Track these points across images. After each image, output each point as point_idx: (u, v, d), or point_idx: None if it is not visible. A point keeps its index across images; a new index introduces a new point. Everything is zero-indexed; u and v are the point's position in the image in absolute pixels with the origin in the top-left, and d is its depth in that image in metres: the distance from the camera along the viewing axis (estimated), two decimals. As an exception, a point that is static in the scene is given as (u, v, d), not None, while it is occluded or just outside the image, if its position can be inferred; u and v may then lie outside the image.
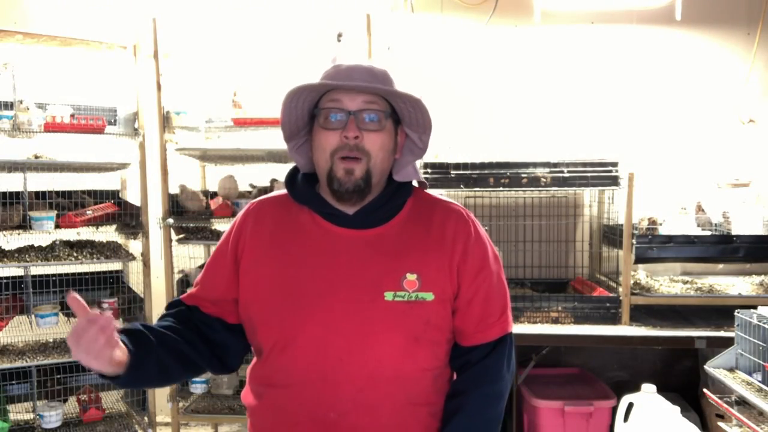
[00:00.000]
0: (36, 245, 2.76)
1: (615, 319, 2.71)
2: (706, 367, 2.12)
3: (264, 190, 2.92)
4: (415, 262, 1.22)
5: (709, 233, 2.91)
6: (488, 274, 1.28)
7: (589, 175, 2.79)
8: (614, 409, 2.61)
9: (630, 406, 2.48)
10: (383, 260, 1.22)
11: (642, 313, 2.78)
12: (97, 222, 2.80)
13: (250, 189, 3.04)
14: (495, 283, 1.29)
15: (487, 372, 1.26)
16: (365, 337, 1.18)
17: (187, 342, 1.25)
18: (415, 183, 1.34)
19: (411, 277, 1.21)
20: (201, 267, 3.13)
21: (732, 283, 2.90)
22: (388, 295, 1.19)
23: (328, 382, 1.18)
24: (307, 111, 1.25)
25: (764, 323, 1.92)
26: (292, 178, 1.32)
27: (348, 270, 1.21)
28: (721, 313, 2.65)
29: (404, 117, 1.26)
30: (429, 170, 2.83)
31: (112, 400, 3.00)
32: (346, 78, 1.20)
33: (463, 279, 1.25)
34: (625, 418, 2.48)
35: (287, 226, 1.28)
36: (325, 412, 1.19)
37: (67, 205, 2.81)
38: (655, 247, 2.76)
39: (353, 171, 1.19)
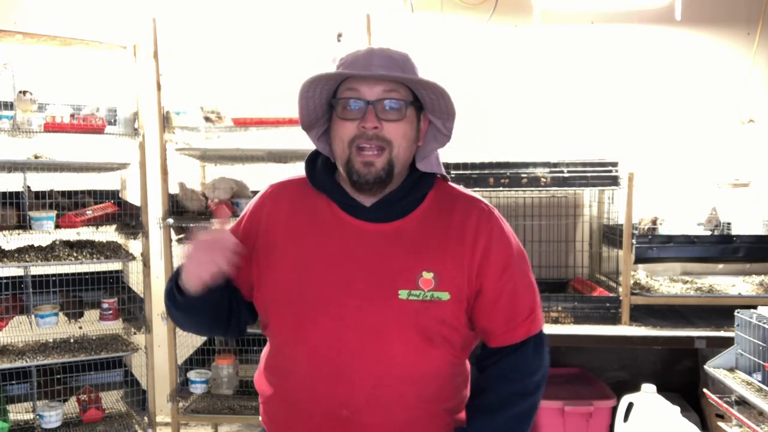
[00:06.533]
0: (36, 245, 2.76)
1: (615, 319, 2.71)
2: (706, 367, 2.12)
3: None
4: (433, 259, 1.19)
5: (709, 233, 2.91)
6: (514, 273, 1.24)
7: (589, 175, 2.79)
8: (614, 409, 2.61)
9: (630, 406, 2.48)
10: (399, 257, 1.19)
11: (642, 313, 2.78)
12: (97, 222, 2.80)
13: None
14: (521, 282, 1.25)
15: (513, 368, 1.23)
16: (378, 334, 1.17)
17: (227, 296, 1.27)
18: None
19: (427, 275, 1.18)
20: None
21: (732, 283, 2.90)
22: (403, 294, 1.17)
23: (341, 379, 1.17)
24: (326, 100, 1.22)
25: (764, 323, 1.92)
26: (312, 163, 1.29)
27: (363, 265, 1.19)
28: (721, 313, 2.65)
29: (426, 103, 1.22)
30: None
31: (112, 400, 3.00)
32: (365, 65, 1.16)
33: (486, 278, 1.22)
34: (625, 418, 2.49)
35: (304, 213, 1.25)
36: (338, 408, 1.18)
37: (67, 205, 2.81)
38: (655, 247, 2.76)
39: (373, 163, 1.16)
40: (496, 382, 1.24)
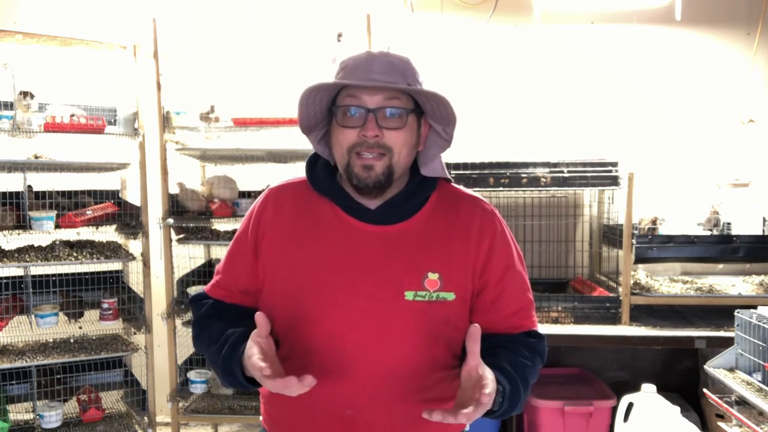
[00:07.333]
0: (36, 245, 2.76)
1: (615, 319, 2.71)
2: (706, 367, 2.12)
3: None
4: (437, 260, 1.20)
5: (708, 233, 2.91)
6: (514, 274, 1.26)
7: (589, 175, 2.79)
8: (614, 409, 2.62)
9: (630, 406, 2.48)
10: (405, 258, 1.20)
11: (642, 313, 2.78)
12: (97, 222, 2.80)
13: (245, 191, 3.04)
14: (521, 285, 1.27)
15: (527, 342, 1.24)
16: (383, 335, 1.17)
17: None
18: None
19: (432, 276, 1.19)
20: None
21: (732, 283, 2.90)
22: (409, 295, 1.18)
23: (345, 378, 1.18)
24: (326, 106, 1.22)
25: (764, 323, 1.92)
26: (312, 165, 1.29)
27: (369, 267, 1.19)
28: (721, 313, 2.65)
29: (427, 110, 1.22)
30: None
31: (112, 400, 3.00)
32: (366, 72, 1.16)
33: (488, 277, 1.23)
34: (625, 418, 2.49)
35: (307, 216, 1.25)
36: (342, 407, 1.19)
37: (67, 205, 2.81)
38: (655, 247, 2.76)
39: (372, 167, 1.17)
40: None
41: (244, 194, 3.03)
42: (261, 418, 1.34)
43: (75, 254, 2.71)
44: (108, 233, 2.88)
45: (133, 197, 2.93)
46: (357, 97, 1.17)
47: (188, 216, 2.89)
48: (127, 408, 2.95)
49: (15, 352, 2.73)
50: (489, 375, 1.06)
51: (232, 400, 2.93)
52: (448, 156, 2.98)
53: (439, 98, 1.17)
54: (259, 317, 1.09)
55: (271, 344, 1.11)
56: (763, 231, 2.95)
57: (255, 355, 1.06)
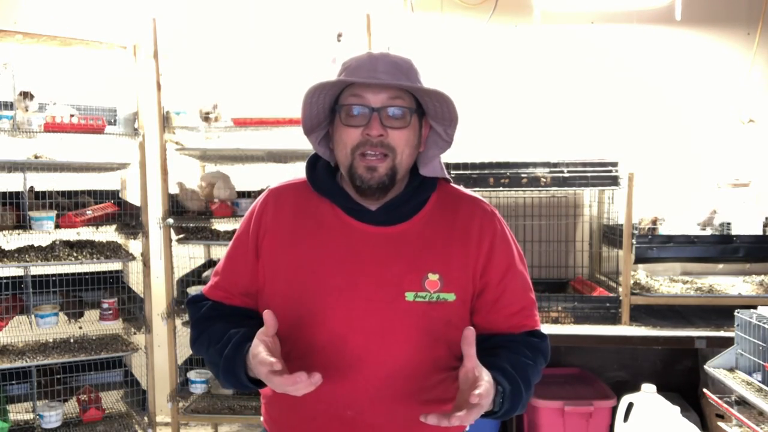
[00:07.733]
0: (36, 245, 2.76)
1: (615, 319, 2.71)
2: (706, 367, 2.12)
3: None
4: (438, 261, 1.20)
5: (708, 233, 2.91)
6: (515, 274, 1.26)
7: (589, 175, 2.80)
8: (614, 409, 2.62)
9: (630, 406, 2.48)
10: (405, 259, 1.20)
11: (642, 313, 2.78)
12: (97, 222, 2.80)
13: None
14: (522, 283, 1.28)
15: (516, 340, 1.24)
16: (384, 336, 1.17)
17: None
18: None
19: (433, 277, 1.19)
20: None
21: (732, 283, 2.90)
22: (409, 296, 1.18)
23: (346, 380, 1.18)
24: (328, 105, 1.22)
25: (764, 323, 1.92)
26: (312, 166, 1.29)
27: (369, 268, 1.19)
28: (721, 313, 2.65)
29: (429, 110, 1.22)
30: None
31: (112, 400, 3.00)
32: (369, 71, 1.16)
33: (489, 277, 1.24)
34: (625, 418, 2.49)
35: (307, 217, 1.25)
36: (343, 409, 1.19)
37: (67, 205, 2.81)
38: (655, 247, 2.76)
39: (376, 168, 1.17)
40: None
41: (243, 194, 3.03)
42: (262, 418, 1.34)
43: (75, 254, 2.71)
44: (108, 233, 2.88)
45: (133, 197, 2.93)
46: (361, 96, 1.17)
47: (188, 216, 2.89)
48: (127, 408, 2.95)
49: (15, 352, 2.73)
50: (485, 376, 1.06)
51: (232, 400, 2.93)
52: (449, 156, 2.98)
53: (442, 97, 1.17)
54: (268, 315, 1.08)
55: (277, 343, 1.11)
56: (763, 231, 2.96)
57: (262, 352, 1.06)
